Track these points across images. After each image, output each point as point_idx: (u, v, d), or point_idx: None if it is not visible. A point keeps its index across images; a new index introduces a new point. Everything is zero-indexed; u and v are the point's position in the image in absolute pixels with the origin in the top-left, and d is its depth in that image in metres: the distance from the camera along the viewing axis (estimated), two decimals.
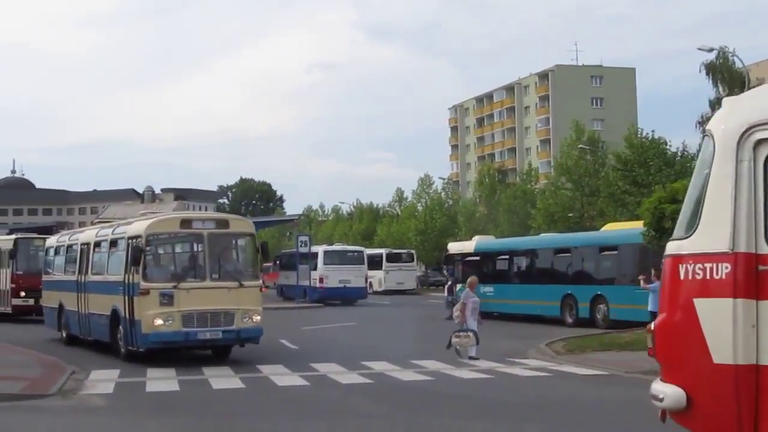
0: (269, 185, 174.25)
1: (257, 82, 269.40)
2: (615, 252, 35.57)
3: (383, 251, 77.31)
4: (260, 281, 24.35)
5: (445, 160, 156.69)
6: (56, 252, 31.11)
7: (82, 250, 27.58)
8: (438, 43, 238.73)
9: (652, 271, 26.82)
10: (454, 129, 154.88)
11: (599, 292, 35.52)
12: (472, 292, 25.42)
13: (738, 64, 62.28)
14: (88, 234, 28.28)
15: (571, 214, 65.80)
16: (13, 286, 39.01)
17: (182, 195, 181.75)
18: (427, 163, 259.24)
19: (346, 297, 57.89)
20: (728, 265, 7.97)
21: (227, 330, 22.56)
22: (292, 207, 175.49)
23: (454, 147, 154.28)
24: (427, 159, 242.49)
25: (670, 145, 57.94)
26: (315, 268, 57.84)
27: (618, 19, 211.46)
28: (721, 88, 66.70)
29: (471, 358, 23.68)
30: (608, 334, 30.56)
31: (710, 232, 8.14)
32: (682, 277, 8.35)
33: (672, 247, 8.67)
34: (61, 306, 28.90)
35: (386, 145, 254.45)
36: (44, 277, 32.05)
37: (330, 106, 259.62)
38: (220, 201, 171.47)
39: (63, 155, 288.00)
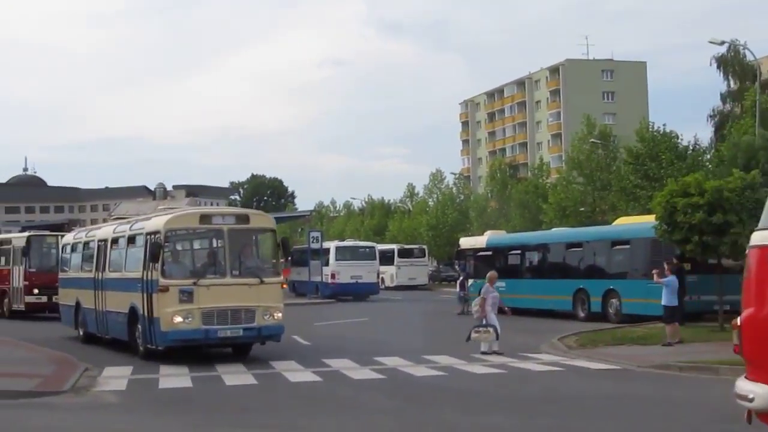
0: (280, 181, 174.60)
1: (268, 78, 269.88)
2: (627, 246, 35.52)
3: (395, 247, 77.33)
4: (281, 278, 23.94)
5: (457, 155, 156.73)
6: (73, 249, 30.62)
7: (99, 246, 27.10)
8: (448, 37, 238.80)
9: (665, 265, 26.71)
10: (465, 124, 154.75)
11: (611, 287, 35.45)
12: (491, 287, 25.30)
13: (749, 57, 62.25)
14: (106, 230, 27.86)
15: (582, 209, 65.76)
16: (27, 283, 39.03)
17: (194, 192, 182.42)
18: (439, 158, 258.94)
19: (358, 293, 57.89)
20: None
21: (248, 327, 22.15)
22: (304, 203, 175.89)
23: (465, 142, 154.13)
24: (438, 154, 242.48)
25: (682, 139, 57.95)
26: (327, 264, 57.85)
27: (628, 12, 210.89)
28: (732, 82, 66.65)
29: (495, 352, 23.73)
30: (620, 328, 30.60)
31: None
32: None
33: (758, 238, 8.17)
34: (78, 304, 28.53)
35: (397, 141, 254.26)
36: (60, 275, 31.76)
37: (341, 101, 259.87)
38: (232, 197, 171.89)
39: (74, 153, 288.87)
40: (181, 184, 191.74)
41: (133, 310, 23.27)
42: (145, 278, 22.56)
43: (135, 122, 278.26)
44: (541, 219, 70.05)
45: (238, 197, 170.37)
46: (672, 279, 25.87)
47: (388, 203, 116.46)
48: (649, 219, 31.86)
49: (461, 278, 44.52)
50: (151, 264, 22.09)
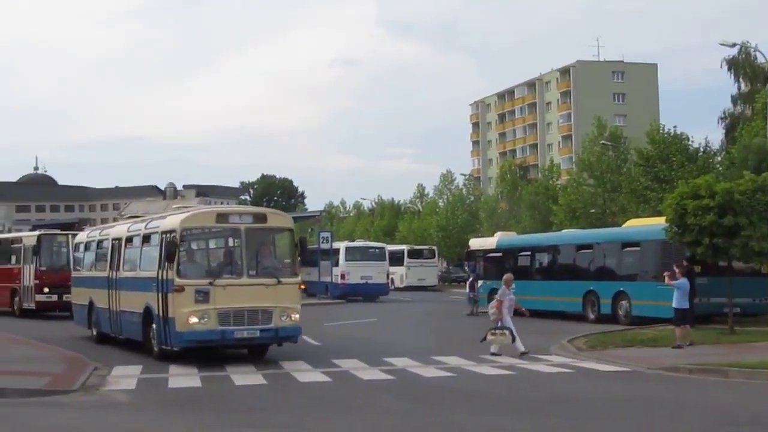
0: (290, 181, 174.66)
1: (278, 78, 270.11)
2: (637, 248, 35.44)
3: (405, 247, 77.36)
4: (299, 278, 23.46)
5: (467, 156, 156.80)
6: (86, 248, 30.20)
7: (113, 245, 26.65)
8: (459, 38, 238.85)
9: (675, 268, 26.63)
10: (475, 125, 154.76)
11: (621, 289, 35.37)
12: (508, 289, 25.26)
13: (760, 59, 62.08)
14: (120, 229, 27.39)
15: (593, 210, 65.68)
16: (37, 282, 39.10)
17: (204, 191, 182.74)
18: (449, 159, 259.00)
19: (368, 293, 57.88)
20: None
21: (265, 328, 21.77)
22: (314, 203, 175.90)
23: (476, 143, 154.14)
24: (448, 155, 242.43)
25: (692, 141, 57.80)
26: (336, 265, 57.83)
27: (639, 14, 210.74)
28: (743, 84, 66.50)
29: (523, 354, 23.72)
30: (630, 330, 30.51)
31: None
32: None
33: None
34: (91, 303, 28.20)
35: (407, 141, 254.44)
36: (73, 274, 31.49)
37: (351, 101, 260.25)
38: (242, 197, 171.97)
39: (85, 152, 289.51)
40: (191, 184, 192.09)
41: (147, 310, 22.92)
42: (160, 278, 22.17)
43: (145, 122, 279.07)
44: (551, 220, 70.01)
45: (248, 197, 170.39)
46: (683, 281, 25.81)
47: (398, 204, 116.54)
48: (660, 221, 31.80)
49: (471, 279, 44.47)
50: (166, 263, 21.76)
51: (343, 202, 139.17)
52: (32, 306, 39.44)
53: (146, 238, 24.21)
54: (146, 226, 24.66)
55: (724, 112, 67.86)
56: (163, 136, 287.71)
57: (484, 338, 24.32)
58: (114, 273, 26.08)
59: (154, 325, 22.62)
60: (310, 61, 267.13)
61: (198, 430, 14.00)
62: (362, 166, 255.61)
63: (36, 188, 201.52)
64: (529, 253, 43.02)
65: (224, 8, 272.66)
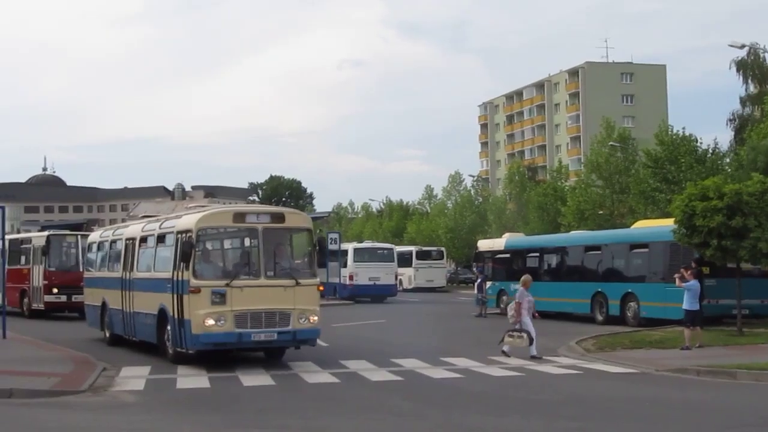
0: (299, 182, 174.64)
1: (287, 80, 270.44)
2: (646, 249, 35.39)
3: (413, 249, 77.41)
4: (317, 279, 22.59)
5: (475, 158, 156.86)
6: (99, 248, 29.72)
7: (126, 245, 26.14)
8: (468, 39, 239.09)
9: (682, 271, 26.60)
10: (483, 126, 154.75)
11: (630, 290, 35.35)
12: (527, 290, 25.19)
13: None
14: (134, 229, 26.74)
15: (601, 212, 65.58)
16: (46, 282, 39.14)
17: (212, 192, 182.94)
18: (457, 160, 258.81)
19: (376, 294, 57.93)
20: None
21: (283, 331, 21.21)
22: (322, 204, 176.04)
23: (484, 144, 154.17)
24: (456, 156, 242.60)
25: (701, 143, 57.65)
26: (345, 266, 57.85)
27: (648, 15, 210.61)
28: (752, 85, 66.34)
29: (533, 357, 23.63)
30: (638, 332, 30.51)
31: None
32: None
33: None
34: (104, 304, 27.77)
35: (416, 142, 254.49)
36: (86, 274, 31.17)
37: (360, 103, 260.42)
38: (251, 198, 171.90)
39: (93, 153, 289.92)
40: (200, 185, 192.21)
41: (162, 312, 22.53)
42: (175, 279, 21.78)
43: (154, 123, 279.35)
44: (559, 222, 69.92)
45: (256, 198, 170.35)
46: (694, 283, 25.79)
47: (407, 205, 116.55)
48: (668, 222, 31.77)
49: (479, 281, 44.45)
50: (182, 264, 21.31)
51: (351, 203, 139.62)
52: (41, 307, 39.49)
53: (161, 238, 23.76)
54: (161, 225, 24.17)
55: (732, 114, 67.64)
56: (172, 137, 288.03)
57: (502, 340, 24.27)
58: (128, 273, 25.63)
59: (168, 328, 22.27)
60: (319, 62, 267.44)
61: (205, 431, 14.01)
62: (371, 168, 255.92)
63: (45, 189, 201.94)
64: (537, 254, 43.03)
65: (234, 10, 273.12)
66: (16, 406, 16.17)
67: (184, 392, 18.23)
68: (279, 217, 22.42)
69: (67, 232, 42.49)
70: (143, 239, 25.14)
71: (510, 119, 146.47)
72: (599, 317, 36.64)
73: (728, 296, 29.83)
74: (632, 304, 35.02)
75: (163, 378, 20.00)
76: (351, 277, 57.79)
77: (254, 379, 19.71)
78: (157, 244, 24.02)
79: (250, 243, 22.47)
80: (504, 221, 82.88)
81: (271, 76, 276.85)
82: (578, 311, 38.20)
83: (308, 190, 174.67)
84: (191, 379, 19.73)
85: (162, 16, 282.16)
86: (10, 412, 15.54)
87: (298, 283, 21.49)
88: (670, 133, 58.99)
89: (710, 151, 57.35)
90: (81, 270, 36.68)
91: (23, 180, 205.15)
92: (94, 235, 31.88)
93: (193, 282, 20.86)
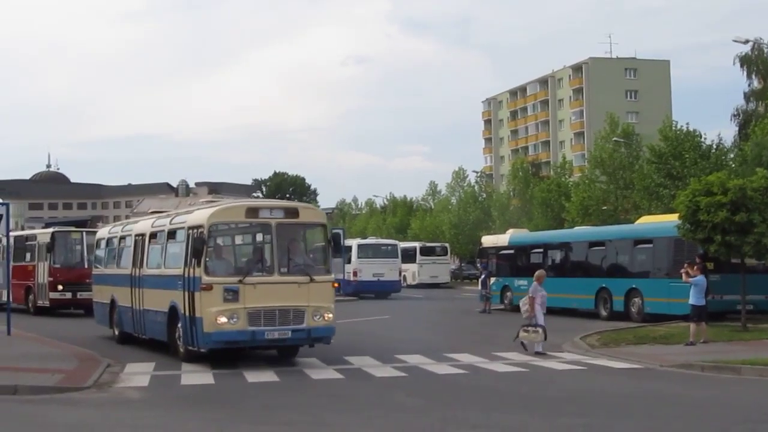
0: (303, 179, 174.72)
1: (291, 76, 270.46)
2: (650, 245, 35.39)
3: (417, 245, 77.39)
4: (332, 275, 22.20)
5: (479, 154, 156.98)
6: (108, 244, 29.20)
7: (136, 241, 25.67)
8: (472, 35, 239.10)
9: (687, 266, 26.58)
10: (487, 122, 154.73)
11: (634, 286, 35.36)
12: (540, 285, 25.16)
13: None
14: (143, 224, 26.06)
15: (605, 207, 65.53)
16: (51, 279, 39.18)
17: (216, 189, 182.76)
18: (461, 156, 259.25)
19: (380, 290, 57.97)
20: None
21: (297, 329, 20.76)
22: (326, 200, 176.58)
23: (488, 140, 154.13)
24: (460, 152, 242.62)
25: (705, 138, 57.59)
26: (349, 262, 57.74)
27: (652, 11, 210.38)
28: (756, 81, 66.33)
29: (537, 353, 23.63)
30: (643, 327, 30.52)
31: None
32: None
33: None
34: (113, 301, 27.30)
35: (420, 139, 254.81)
36: (94, 271, 30.71)
37: (364, 99, 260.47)
38: (254, 195, 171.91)
39: (97, 150, 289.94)
40: (203, 181, 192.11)
41: (173, 310, 22.05)
42: (186, 275, 21.24)
43: (158, 119, 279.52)
44: (563, 217, 69.92)
45: (260, 194, 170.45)
46: (701, 278, 25.80)
47: (411, 201, 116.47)
48: (672, 218, 31.75)
49: (483, 276, 44.46)
50: (193, 260, 20.84)
51: (355, 200, 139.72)
52: (46, 303, 39.54)
53: (171, 234, 23.27)
54: (171, 221, 23.72)
55: (736, 109, 67.65)
56: (176, 134, 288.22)
57: (517, 336, 24.21)
58: (137, 270, 25.15)
59: (179, 325, 21.80)
60: (323, 58, 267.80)
61: (210, 427, 14.00)
62: (375, 164, 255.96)
63: (49, 186, 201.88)
64: (541, 250, 43.05)
65: (237, 6, 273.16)
66: (20, 402, 16.20)
67: (189, 388, 18.21)
68: (293, 212, 21.94)
69: (72, 228, 42.32)
70: (153, 235, 24.66)
71: (514, 115, 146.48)
72: (603, 313, 36.65)
73: (732, 292, 29.82)
74: (636, 299, 35.03)
75: (168, 374, 20.00)
76: (355, 274, 57.82)
77: (258, 375, 19.69)
78: (167, 240, 23.51)
79: (263, 238, 21.96)
80: (508, 217, 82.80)
81: (276, 73, 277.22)
82: (582, 307, 38.22)
83: (312, 187, 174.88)
84: (196, 375, 19.73)
85: (166, 13, 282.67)
86: (15, 408, 15.57)
87: (312, 280, 21.05)
88: (674, 128, 58.97)
89: (714, 146, 57.30)
90: (86, 267, 36.77)
91: (27, 177, 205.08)
92: (103, 231, 31.53)
93: (205, 279, 20.40)
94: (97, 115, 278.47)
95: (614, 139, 68.26)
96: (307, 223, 22.21)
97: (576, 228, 50.16)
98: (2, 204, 27.61)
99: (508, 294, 43.62)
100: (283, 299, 20.74)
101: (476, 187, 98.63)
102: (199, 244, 20.52)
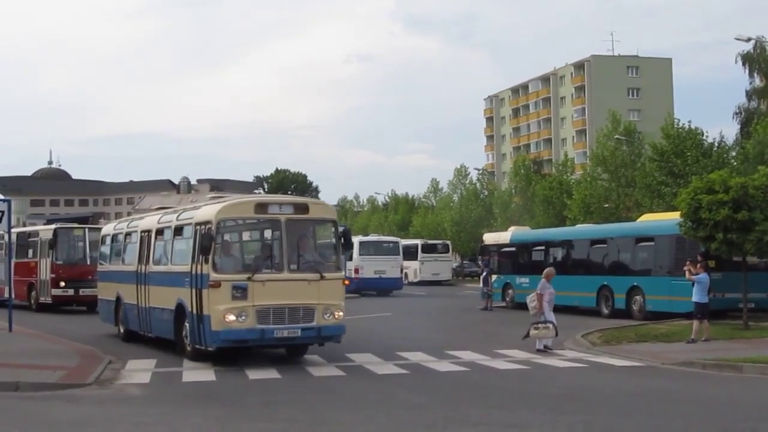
0: (305, 176, 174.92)
1: (294, 73, 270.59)
2: (651, 243, 35.36)
3: (418, 242, 77.32)
4: (343, 273, 22.01)
5: (481, 151, 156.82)
6: (113, 240, 28.65)
7: (142, 237, 25.25)
8: (474, 33, 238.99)
9: (689, 264, 26.59)
10: (489, 120, 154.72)
11: (635, 284, 35.34)
12: (548, 283, 25.19)
13: None
14: (150, 220, 25.68)
15: (607, 205, 65.46)
16: (53, 276, 39.15)
17: (218, 186, 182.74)
18: (463, 154, 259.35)
19: (382, 287, 57.97)
20: None
21: (307, 327, 20.42)
22: (328, 198, 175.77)
23: (490, 138, 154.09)
24: (462, 150, 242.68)
25: (707, 136, 57.55)
26: (350, 259, 57.69)
27: (654, 8, 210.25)
28: (758, 79, 66.31)
29: (545, 347, 23.77)
30: (644, 325, 30.51)
31: None
32: None
33: None
34: (118, 299, 26.88)
35: (422, 136, 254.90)
36: (99, 268, 30.28)
37: (366, 96, 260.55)
38: (256, 191, 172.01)
39: (99, 146, 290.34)
40: (205, 178, 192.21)
41: (180, 307, 21.66)
42: (194, 272, 20.90)
43: (160, 116, 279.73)
44: (565, 215, 69.83)
45: (262, 191, 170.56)
46: (704, 276, 25.81)
47: (412, 198, 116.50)
48: (674, 216, 31.72)
49: (485, 274, 44.44)
50: (200, 257, 20.41)
51: (357, 197, 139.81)
52: (49, 300, 39.54)
53: (178, 230, 22.93)
54: (178, 217, 23.32)
55: (738, 107, 67.66)
56: (178, 131, 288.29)
57: (527, 335, 24.18)
58: (143, 267, 24.75)
59: (187, 323, 21.43)
60: (325, 56, 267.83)
61: (211, 424, 14.00)
62: (376, 161, 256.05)
63: (50, 182, 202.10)
64: (542, 247, 43.00)
65: (240, 4, 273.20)
66: (22, 399, 16.22)
67: (190, 385, 18.24)
68: (303, 208, 21.57)
69: (75, 225, 42.18)
70: (159, 231, 24.34)
71: (516, 112, 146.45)
72: (605, 311, 36.62)
73: (734, 290, 29.81)
74: (638, 297, 35.01)
75: (169, 371, 20.01)
76: (356, 271, 57.70)
77: (260, 372, 19.69)
78: (174, 237, 23.21)
79: (273, 235, 21.71)
80: (509, 215, 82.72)
81: (278, 70, 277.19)
82: (584, 305, 38.20)
83: (314, 184, 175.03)
84: (197, 372, 19.73)
85: (170, 9, 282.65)
86: (17, 405, 15.59)
87: (322, 277, 20.69)
88: (676, 126, 58.92)
89: (716, 144, 57.23)
90: (88, 264, 36.81)
91: (29, 173, 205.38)
92: (108, 228, 31.16)
93: (213, 276, 20.06)
94: (98, 112, 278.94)
95: (616, 136, 68.18)
96: (317, 219, 21.84)
97: (578, 226, 50.15)
98: (4, 200, 27.56)
99: (510, 291, 43.59)
100: (293, 297, 20.41)
101: (478, 185, 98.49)
102: (206, 241, 20.15)
